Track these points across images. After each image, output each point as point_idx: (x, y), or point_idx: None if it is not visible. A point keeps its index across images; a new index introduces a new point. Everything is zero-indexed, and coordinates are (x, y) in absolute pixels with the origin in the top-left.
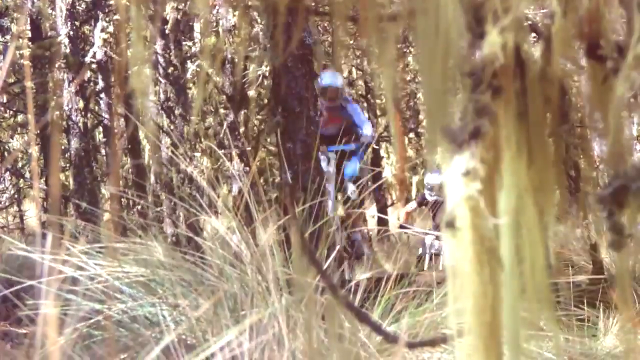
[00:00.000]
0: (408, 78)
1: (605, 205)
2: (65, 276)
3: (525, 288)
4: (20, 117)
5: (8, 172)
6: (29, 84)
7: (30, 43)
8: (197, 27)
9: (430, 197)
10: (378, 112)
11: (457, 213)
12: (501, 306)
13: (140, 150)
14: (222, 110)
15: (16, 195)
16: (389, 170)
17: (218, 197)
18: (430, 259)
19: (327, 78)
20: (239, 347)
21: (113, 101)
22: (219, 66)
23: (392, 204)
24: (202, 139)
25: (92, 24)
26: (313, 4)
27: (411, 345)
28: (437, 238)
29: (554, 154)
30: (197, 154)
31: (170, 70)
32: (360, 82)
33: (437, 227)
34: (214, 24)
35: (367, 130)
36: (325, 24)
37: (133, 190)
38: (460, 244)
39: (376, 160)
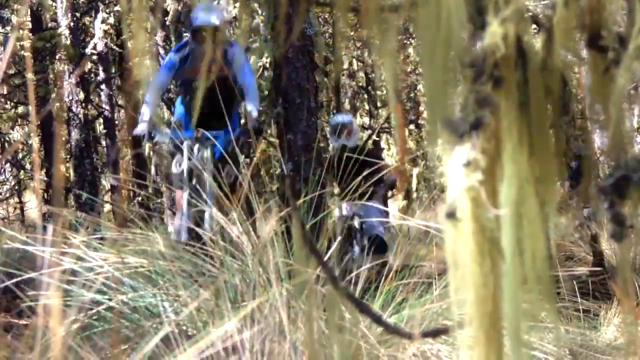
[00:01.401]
0: (409, 69)
1: (607, 197)
2: (65, 268)
3: (526, 279)
4: (20, 109)
5: (9, 164)
6: (29, 75)
7: (30, 35)
8: None
9: (335, 143)
10: (378, 104)
11: (458, 204)
12: (502, 297)
13: (140, 142)
14: None
15: (17, 187)
16: (389, 161)
17: (219, 187)
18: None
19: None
20: (240, 339)
21: (114, 92)
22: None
23: (392, 195)
24: None
25: (93, 15)
26: None
27: (413, 337)
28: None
29: (555, 145)
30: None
31: None
32: (361, 74)
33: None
34: None
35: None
36: (326, 15)
37: (133, 181)
38: (461, 235)
39: (376, 151)
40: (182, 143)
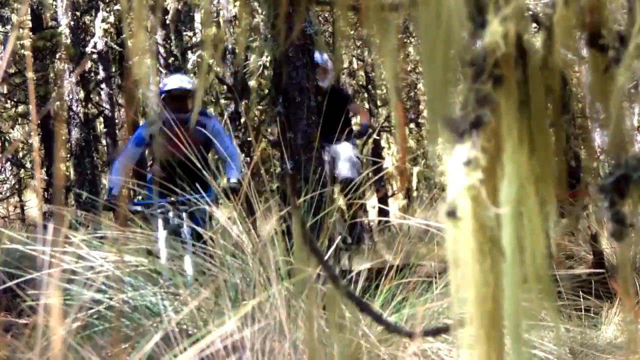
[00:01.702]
0: (408, 68)
1: (607, 195)
2: (66, 267)
3: (527, 278)
4: (21, 108)
5: (9, 163)
6: (30, 74)
7: (31, 33)
8: (197, 17)
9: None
10: (379, 103)
11: (458, 202)
12: (503, 296)
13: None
14: (222, 101)
15: (17, 186)
16: (390, 160)
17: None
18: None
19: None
20: (240, 337)
21: (114, 91)
22: (220, 56)
23: (393, 194)
24: None
25: (93, 14)
26: None
27: (413, 336)
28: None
29: (555, 144)
30: None
31: (170, 60)
32: (361, 73)
33: None
34: (215, 14)
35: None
36: (326, 14)
37: (134, 180)
38: (462, 234)
39: (377, 150)
40: (156, 209)
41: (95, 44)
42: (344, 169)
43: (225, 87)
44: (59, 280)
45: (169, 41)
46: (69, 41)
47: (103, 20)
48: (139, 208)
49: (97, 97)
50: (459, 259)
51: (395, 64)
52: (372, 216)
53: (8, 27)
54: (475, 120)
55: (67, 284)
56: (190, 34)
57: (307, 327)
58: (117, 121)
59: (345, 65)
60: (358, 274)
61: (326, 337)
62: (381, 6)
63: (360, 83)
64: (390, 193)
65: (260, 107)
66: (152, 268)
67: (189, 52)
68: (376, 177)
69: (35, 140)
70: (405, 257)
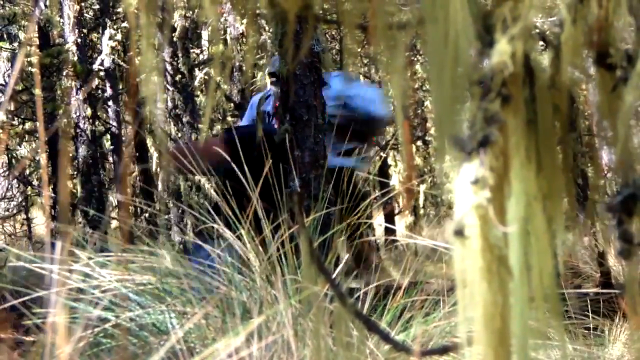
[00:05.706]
0: (415, 86)
1: (615, 214)
2: (72, 285)
3: (534, 296)
4: (28, 125)
5: (16, 180)
6: (38, 91)
7: (38, 51)
8: (205, 34)
9: None
10: None
11: (466, 221)
12: (510, 314)
13: (148, 158)
14: (230, 118)
15: (24, 203)
16: (396, 178)
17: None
18: None
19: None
20: (247, 355)
21: (121, 109)
22: (227, 74)
23: (400, 212)
24: None
25: (100, 31)
26: (321, 12)
27: (420, 354)
28: None
29: (563, 162)
30: None
31: (177, 77)
32: None
33: None
34: (222, 31)
35: None
36: (333, 32)
37: (141, 197)
38: (470, 253)
39: (384, 168)
40: None
41: (103, 61)
42: None
43: (232, 104)
44: (65, 298)
45: (176, 58)
46: (76, 58)
47: (110, 38)
48: None
49: (104, 115)
50: (466, 278)
51: (402, 82)
52: (379, 234)
53: (15, 44)
54: (482, 139)
55: (74, 302)
56: (198, 51)
57: (314, 345)
58: (124, 138)
59: None
60: (365, 292)
61: (333, 355)
62: (389, 25)
63: None
64: (396, 211)
65: None
66: (159, 286)
67: (196, 69)
68: (383, 195)
69: (42, 158)
70: (412, 276)
